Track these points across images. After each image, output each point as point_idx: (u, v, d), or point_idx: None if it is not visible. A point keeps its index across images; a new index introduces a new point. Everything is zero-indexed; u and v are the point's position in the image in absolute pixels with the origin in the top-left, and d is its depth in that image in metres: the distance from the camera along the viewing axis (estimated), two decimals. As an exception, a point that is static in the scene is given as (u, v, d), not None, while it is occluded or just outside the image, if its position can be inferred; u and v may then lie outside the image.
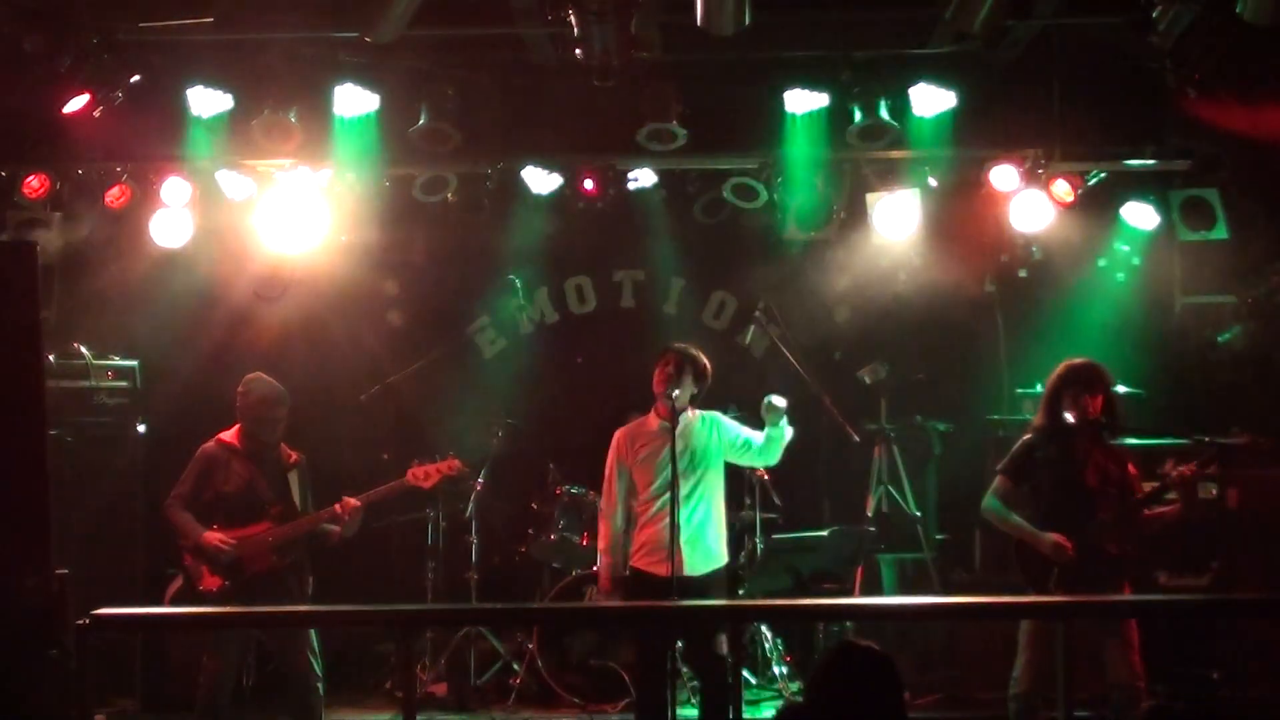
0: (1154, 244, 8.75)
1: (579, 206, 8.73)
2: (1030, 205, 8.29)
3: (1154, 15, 6.89)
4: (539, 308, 9.61)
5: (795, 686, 8.03)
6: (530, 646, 8.04)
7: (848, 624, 8.10)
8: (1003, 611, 6.61)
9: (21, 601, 5.78)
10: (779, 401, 6.50)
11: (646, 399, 6.63)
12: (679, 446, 6.33)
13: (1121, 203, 8.49)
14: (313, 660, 6.56)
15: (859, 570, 8.19)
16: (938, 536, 8.77)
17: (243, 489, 6.62)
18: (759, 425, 6.63)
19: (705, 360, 6.52)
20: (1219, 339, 8.59)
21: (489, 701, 8.15)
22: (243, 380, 6.80)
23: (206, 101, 8.08)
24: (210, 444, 6.75)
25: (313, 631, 6.62)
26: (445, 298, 9.54)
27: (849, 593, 8.04)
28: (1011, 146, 8.34)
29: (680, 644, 6.69)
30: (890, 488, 8.53)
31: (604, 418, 6.87)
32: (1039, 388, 6.71)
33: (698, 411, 6.58)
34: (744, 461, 6.76)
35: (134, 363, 8.46)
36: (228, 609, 6.46)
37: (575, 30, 6.84)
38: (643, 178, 8.57)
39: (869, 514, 8.55)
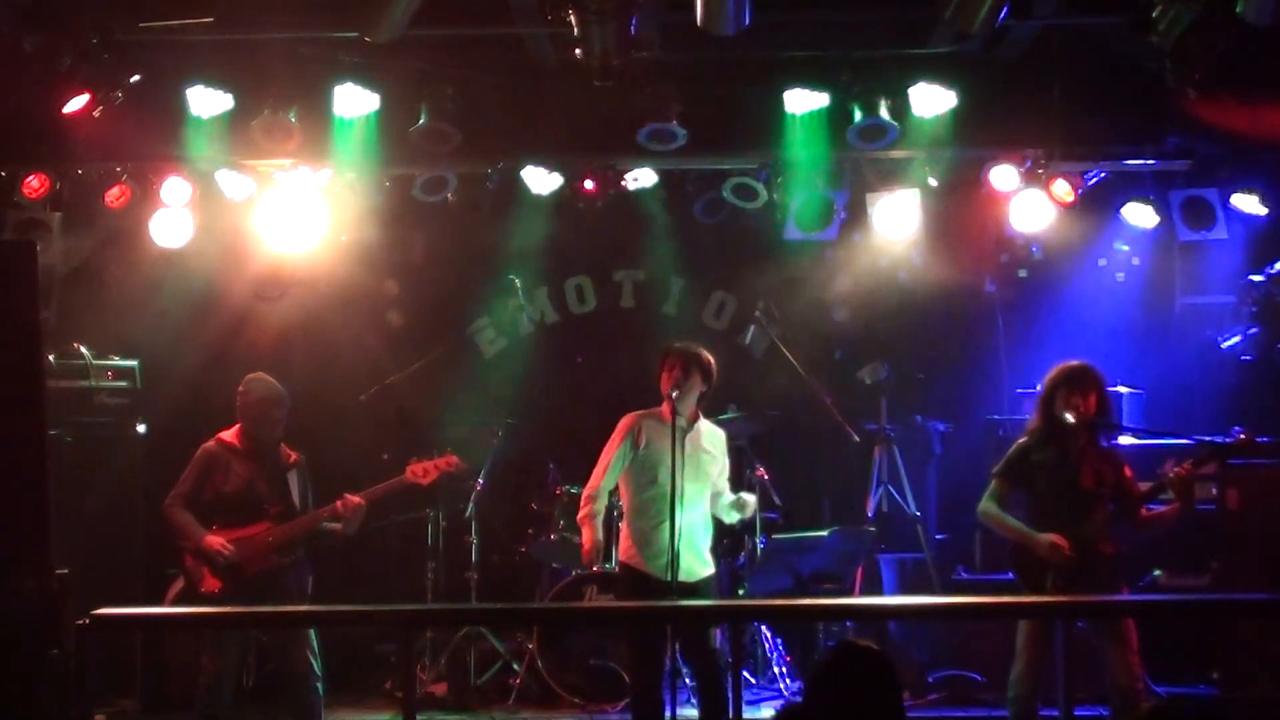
0: (1154, 244, 8.76)
1: (579, 206, 8.73)
2: (1030, 205, 8.29)
3: (1154, 15, 6.89)
4: (539, 308, 9.61)
5: (795, 686, 8.02)
6: (530, 646, 8.04)
7: (847, 624, 8.12)
8: (1003, 611, 6.61)
9: (21, 601, 5.78)
10: (749, 500, 6.57)
11: (646, 399, 6.62)
12: (686, 450, 6.33)
13: (1121, 203, 8.50)
14: (313, 660, 6.56)
15: (859, 570, 8.19)
16: (938, 536, 8.77)
17: (242, 489, 6.62)
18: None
19: (710, 358, 6.52)
20: (1219, 339, 8.58)
21: (489, 701, 8.15)
22: (243, 380, 6.80)
23: (206, 101, 8.08)
24: (210, 443, 6.74)
25: (313, 631, 6.62)
26: (445, 298, 9.54)
27: (849, 593, 8.04)
28: (1011, 146, 8.34)
29: (679, 644, 6.69)
30: (890, 488, 8.53)
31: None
32: (1039, 388, 6.71)
33: (709, 424, 6.58)
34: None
35: (134, 363, 8.46)
36: (228, 609, 6.45)
37: (575, 30, 6.83)
38: (643, 178, 8.57)
39: (869, 514, 8.55)
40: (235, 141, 8.27)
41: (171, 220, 8.47)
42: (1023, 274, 8.90)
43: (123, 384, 8.40)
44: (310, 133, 8.14)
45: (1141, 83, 7.91)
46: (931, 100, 7.98)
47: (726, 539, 7.81)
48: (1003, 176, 8.29)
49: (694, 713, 6.84)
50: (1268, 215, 8.23)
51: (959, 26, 7.02)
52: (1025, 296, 9.04)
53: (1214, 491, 7.43)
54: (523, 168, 8.49)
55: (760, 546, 8.08)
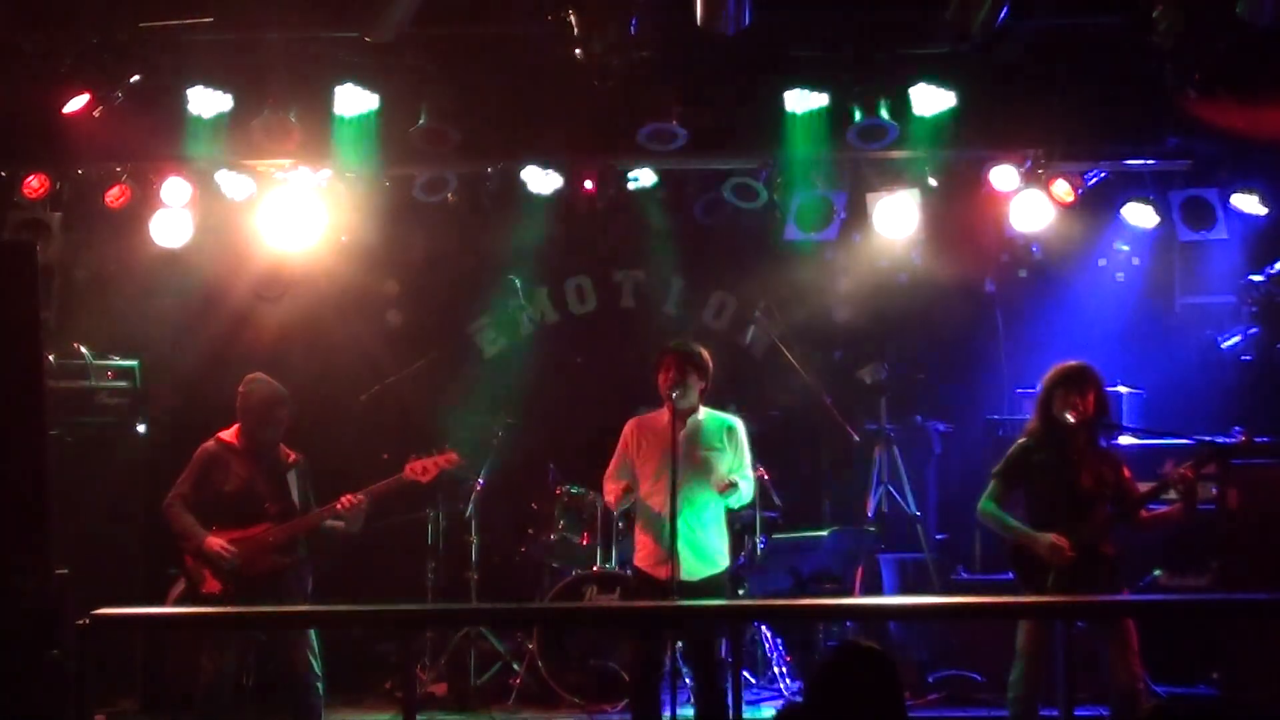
0: (1154, 244, 8.76)
1: (579, 206, 8.73)
2: (1030, 205, 8.29)
3: (1154, 15, 6.89)
4: (539, 308, 9.61)
5: (795, 686, 8.02)
6: (530, 646, 8.04)
7: (847, 624, 8.13)
8: (1003, 611, 6.61)
9: (21, 601, 5.78)
10: (737, 483, 6.49)
11: (647, 399, 6.63)
12: (684, 449, 6.33)
13: (1121, 203, 8.50)
14: (312, 660, 6.56)
15: (859, 570, 8.19)
16: (938, 536, 8.77)
17: (242, 488, 6.62)
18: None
19: (706, 354, 6.52)
20: (1219, 339, 8.58)
21: (489, 701, 8.14)
22: (244, 380, 6.80)
23: (206, 101, 8.07)
24: (210, 443, 6.74)
25: (313, 631, 6.62)
26: (445, 298, 9.54)
27: (849, 593, 8.05)
28: (1011, 146, 8.34)
29: (680, 645, 6.69)
30: (890, 488, 8.53)
31: (604, 418, 6.87)
32: (1038, 388, 6.71)
33: (709, 411, 6.58)
34: None
35: (134, 363, 8.46)
36: (228, 609, 6.46)
37: (575, 30, 6.83)
38: (643, 178, 8.57)
39: (869, 514, 8.55)
40: (235, 141, 8.26)
41: (171, 220, 8.47)
42: (1023, 274, 8.90)
43: (123, 384, 8.40)
44: (310, 133, 8.13)
45: (1141, 83, 7.91)
46: (931, 100, 7.97)
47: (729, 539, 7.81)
48: (1003, 176, 8.29)
49: (694, 712, 6.84)
50: (1268, 215, 8.22)
51: (959, 26, 7.02)
52: (1025, 296, 9.04)
53: (1214, 491, 7.42)
54: (523, 168, 8.48)
55: (760, 546, 8.08)
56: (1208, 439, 6.65)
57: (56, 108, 7.71)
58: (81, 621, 4.82)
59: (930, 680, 8.03)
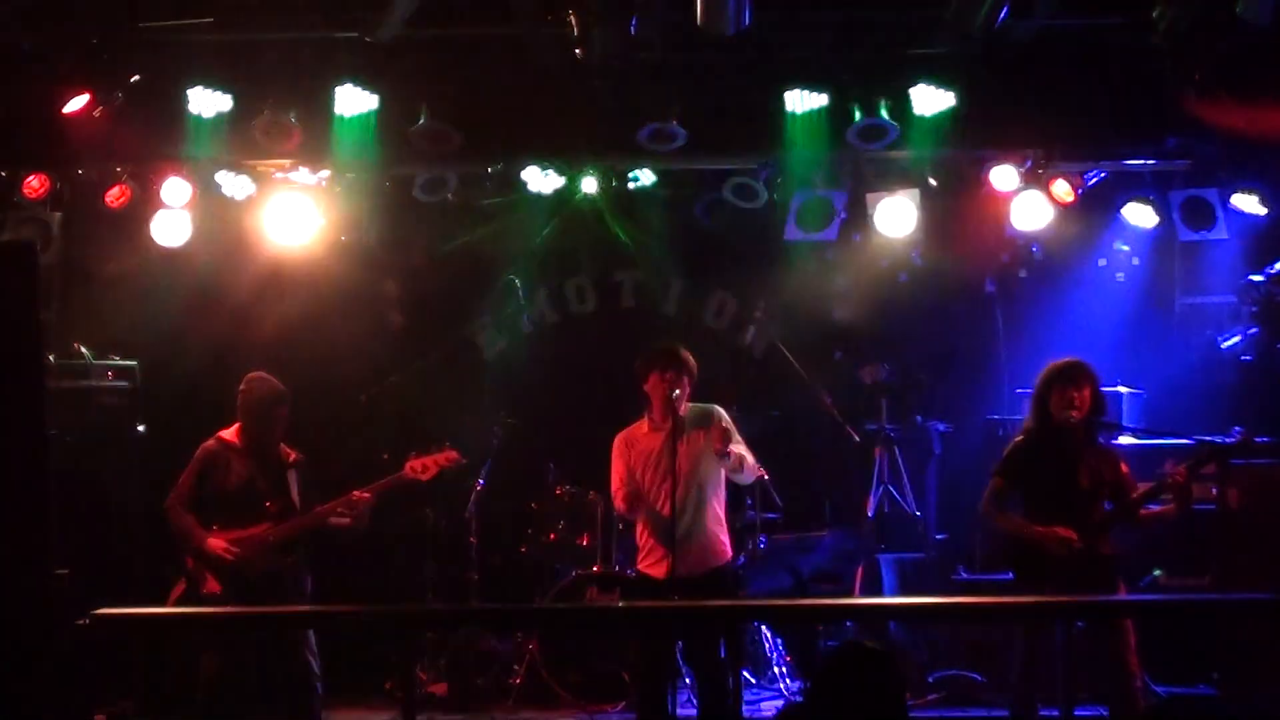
0: (1154, 244, 8.75)
1: (579, 206, 8.73)
2: (1030, 205, 8.29)
3: (1154, 15, 6.89)
4: (539, 308, 9.61)
5: (795, 686, 8.02)
6: (530, 646, 8.04)
7: (847, 624, 8.12)
8: (1003, 611, 6.61)
9: (21, 601, 5.78)
10: (733, 452, 6.44)
11: (647, 399, 6.61)
12: (680, 452, 6.33)
13: (1121, 203, 8.50)
14: (312, 660, 6.56)
15: (859, 570, 8.19)
16: (938, 536, 8.76)
17: (242, 487, 6.62)
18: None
19: (690, 355, 6.54)
20: (1219, 339, 8.58)
21: (489, 701, 8.14)
22: (244, 379, 6.80)
23: (206, 101, 8.08)
24: (210, 442, 6.75)
25: (312, 631, 6.62)
26: (445, 298, 9.53)
27: (849, 593, 8.04)
28: (1011, 146, 8.34)
29: (680, 645, 6.70)
30: (890, 488, 8.53)
31: (604, 418, 6.86)
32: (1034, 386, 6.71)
33: (690, 406, 6.58)
34: None
35: (134, 363, 8.45)
36: (228, 609, 6.46)
37: (575, 30, 6.84)
38: (643, 178, 8.57)
39: (869, 514, 8.55)
40: (235, 141, 8.27)
41: (171, 220, 8.46)
42: (1023, 274, 8.90)
43: (123, 384, 8.39)
44: (310, 133, 8.14)
45: (1141, 83, 7.91)
46: (931, 100, 7.98)
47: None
48: (1003, 176, 8.29)
49: (694, 712, 6.85)
50: (1268, 215, 8.22)
51: (959, 27, 7.03)
52: (1025, 296, 9.03)
53: (1214, 491, 7.42)
54: (523, 168, 8.48)
55: (760, 546, 8.08)
56: (1207, 439, 6.65)
57: (56, 108, 7.72)
58: (81, 621, 4.82)
59: (930, 680, 8.03)
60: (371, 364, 9.06)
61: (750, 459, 6.52)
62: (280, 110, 7.97)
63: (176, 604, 6.75)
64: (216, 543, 6.50)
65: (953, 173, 8.52)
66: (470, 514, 8.42)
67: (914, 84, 7.96)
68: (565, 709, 7.84)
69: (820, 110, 8.09)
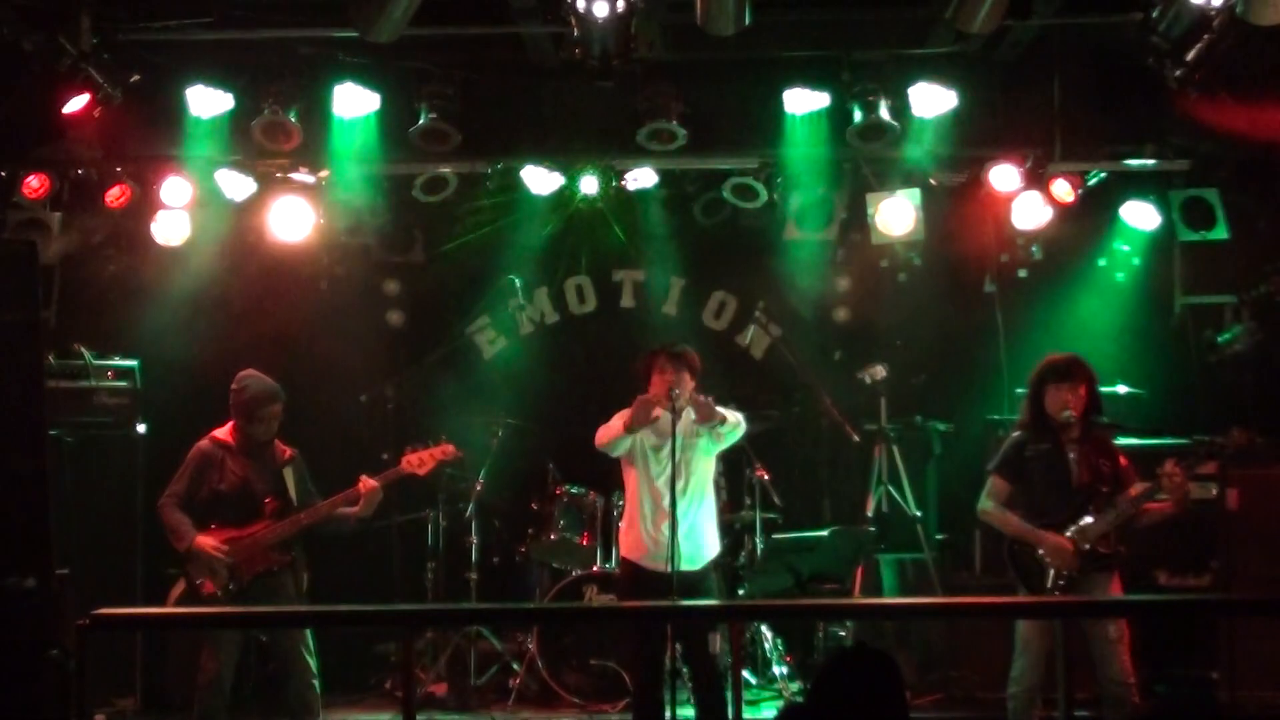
0: (1154, 244, 8.75)
1: (579, 206, 8.73)
2: (1030, 205, 8.29)
3: (1154, 15, 6.89)
4: (539, 308, 9.61)
5: (795, 686, 8.02)
6: (530, 646, 8.04)
7: (847, 624, 8.13)
8: (1003, 611, 6.62)
9: (21, 601, 5.78)
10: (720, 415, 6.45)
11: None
12: (680, 444, 6.34)
13: (1121, 203, 8.50)
14: (307, 657, 6.56)
15: (859, 570, 8.18)
16: (938, 536, 8.77)
17: (238, 487, 6.62)
18: (758, 426, 6.65)
19: (695, 355, 6.55)
20: (1219, 339, 8.58)
21: (489, 701, 8.15)
22: (236, 377, 6.79)
23: (206, 101, 8.09)
24: (204, 442, 6.73)
25: (309, 630, 6.62)
26: (445, 298, 9.54)
27: (849, 593, 8.04)
28: (1011, 146, 8.34)
29: (680, 645, 6.70)
30: (890, 488, 8.53)
31: (604, 418, 6.85)
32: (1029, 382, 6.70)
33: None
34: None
35: (134, 363, 8.45)
36: (227, 609, 6.46)
37: (575, 30, 6.84)
38: (643, 178, 8.57)
39: (869, 514, 8.55)
40: (235, 141, 8.27)
41: (171, 220, 8.47)
42: (1023, 274, 8.90)
43: (123, 384, 8.39)
44: (310, 133, 8.14)
45: (1141, 83, 7.91)
46: (931, 100, 7.98)
47: (728, 538, 7.81)
48: (1003, 176, 8.29)
49: (694, 713, 6.85)
50: (1267, 215, 8.22)
51: (959, 27, 7.03)
52: (1025, 296, 9.03)
53: (1214, 491, 7.42)
54: (523, 168, 8.49)
55: (760, 546, 8.08)
56: (1207, 439, 6.65)
57: (56, 108, 7.71)
58: (81, 621, 4.83)
59: (930, 680, 8.03)
60: (371, 364, 9.06)
61: (731, 415, 6.51)
62: (280, 110, 7.97)
63: (176, 604, 6.76)
64: (206, 541, 6.49)
65: (953, 173, 8.52)
66: (470, 514, 8.42)
67: (914, 84, 7.96)
68: (565, 709, 7.85)
69: (820, 110, 8.10)
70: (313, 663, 6.58)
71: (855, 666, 3.61)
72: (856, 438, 8.56)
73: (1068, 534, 6.13)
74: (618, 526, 8.21)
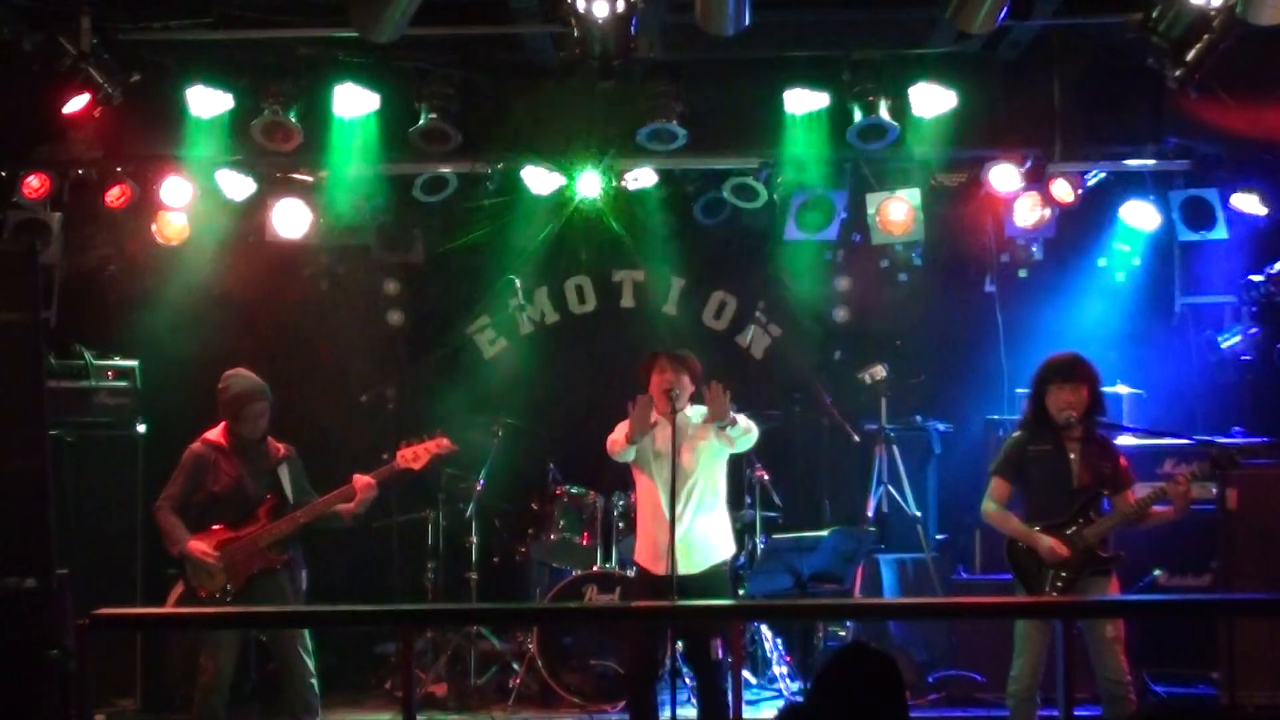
0: (1154, 244, 8.76)
1: (579, 206, 8.73)
2: (1030, 205, 8.29)
3: (1154, 15, 6.89)
4: (539, 308, 9.60)
5: (795, 686, 8.02)
6: (530, 646, 8.04)
7: (847, 624, 8.12)
8: (1003, 611, 6.62)
9: (21, 601, 5.79)
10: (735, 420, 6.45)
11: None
12: (681, 445, 6.34)
13: (1121, 203, 8.50)
14: (305, 656, 6.56)
15: (859, 570, 8.18)
16: (938, 536, 8.77)
17: (232, 487, 6.61)
18: (760, 426, 6.66)
19: (696, 361, 6.55)
20: (1219, 339, 8.59)
21: (489, 701, 8.14)
22: (222, 377, 6.78)
23: (206, 101, 8.08)
24: (197, 444, 6.71)
25: (306, 630, 6.62)
26: (445, 298, 9.54)
27: (849, 593, 8.04)
28: (1011, 146, 8.34)
29: (681, 645, 6.70)
30: (890, 488, 8.53)
31: (604, 418, 6.86)
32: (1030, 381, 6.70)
33: (692, 408, 6.59)
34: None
35: (134, 363, 8.45)
36: (227, 609, 6.46)
37: (575, 30, 6.83)
38: (643, 178, 8.57)
39: (869, 514, 8.55)
40: (235, 141, 8.27)
41: (171, 220, 8.47)
42: (1023, 274, 8.90)
43: (123, 384, 8.39)
44: (310, 133, 8.14)
45: (1141, 83, 7.91)
46: (931, 100, 7.97)
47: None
48: (1003, 176, 8.29)
49: (694, 713, 6.85)
50: (1268, 215, 8.22)
51: (959, 27, 7.02)
52: (1025, 296, 9.04)
53: (1214, 491, 7.42)
54: (523, 168, 8.49)
55: (760, 546, 8.08)
56: (1207, 439, 6.65)
57: (56, 108, 7.71)
58: (81, 621, 4.83)
59: (930, 680, 8.03)
60: (371, 364, 9.06)
61: (745, 423, 6.52)
62: (280, 110, 7.97)
63: (176, 604, 6.76)
64: (197, 546, 6.48)
65: (953, 173, 8.53)
66: (470, 514, 8.42)
67: (914, 84, 7.95)
68: (565, 709, 7.84)
69: (820, 110, 8.09)
70: (311, 662, 6.59)
71: (855, 666, 3.61)
72: (857, 438, 8.56)
73: (1066, 535, 6.14)
74: (618, 526, 8.24)
